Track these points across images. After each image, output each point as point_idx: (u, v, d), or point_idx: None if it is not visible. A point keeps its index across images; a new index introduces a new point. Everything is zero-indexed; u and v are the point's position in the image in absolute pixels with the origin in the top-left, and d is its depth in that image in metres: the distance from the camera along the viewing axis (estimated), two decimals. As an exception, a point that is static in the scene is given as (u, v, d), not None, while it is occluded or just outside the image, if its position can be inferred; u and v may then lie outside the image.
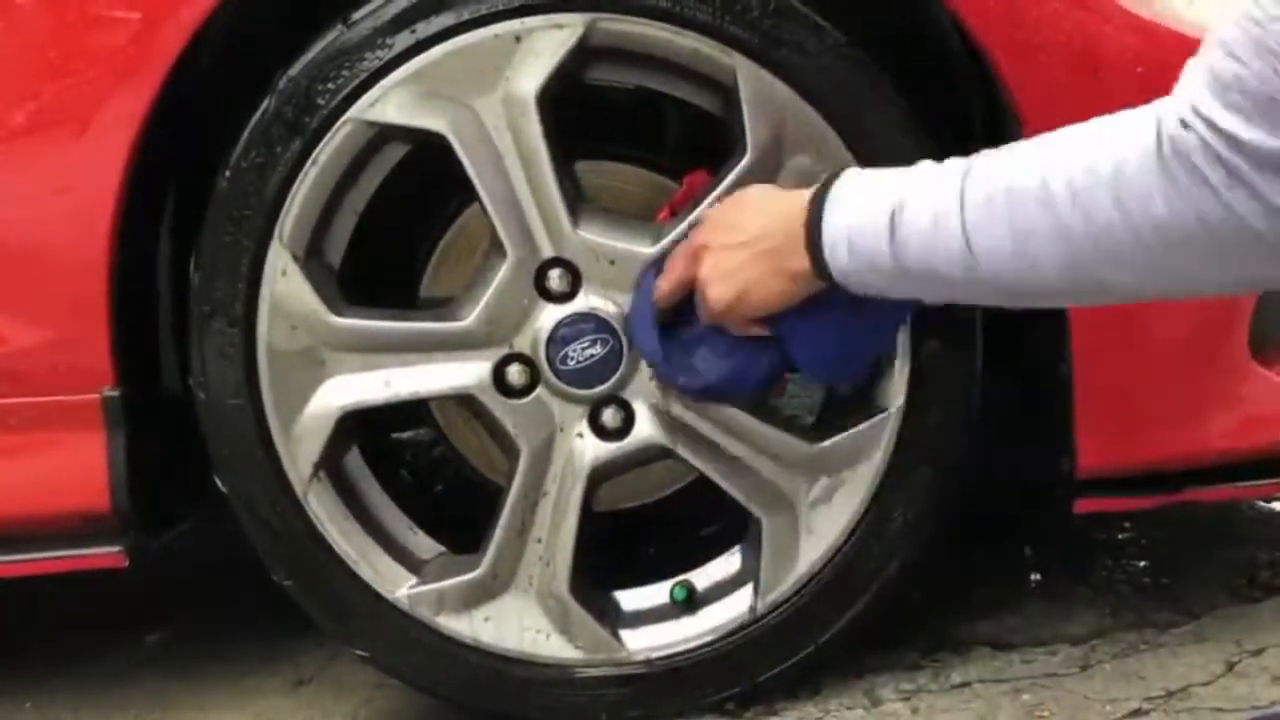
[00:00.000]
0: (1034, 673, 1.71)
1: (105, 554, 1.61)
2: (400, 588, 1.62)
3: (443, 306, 1.65)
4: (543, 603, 1.62)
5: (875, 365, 1.58)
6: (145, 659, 2.00)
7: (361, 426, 1.64)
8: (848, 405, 1.67)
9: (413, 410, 1.80)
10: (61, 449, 1.58)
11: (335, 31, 1.52)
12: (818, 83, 1.53)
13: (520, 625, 1.62)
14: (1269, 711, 1.56)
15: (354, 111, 1.52)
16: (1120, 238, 1.06)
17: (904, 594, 1.74)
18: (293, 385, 1.57)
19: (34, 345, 1.57)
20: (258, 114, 1.53)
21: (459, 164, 1.53)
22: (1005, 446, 1.75)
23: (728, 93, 1.55)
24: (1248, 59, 0.96)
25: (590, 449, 1.60)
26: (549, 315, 1.57)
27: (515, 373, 1.58)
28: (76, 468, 1.58)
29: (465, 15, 1.51)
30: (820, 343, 1.37)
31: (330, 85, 1.52)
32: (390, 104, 1.52)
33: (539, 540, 1.61)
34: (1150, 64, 1.51)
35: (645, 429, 1.60)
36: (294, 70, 1.52)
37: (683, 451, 1.61)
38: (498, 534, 1.61)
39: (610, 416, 1.59)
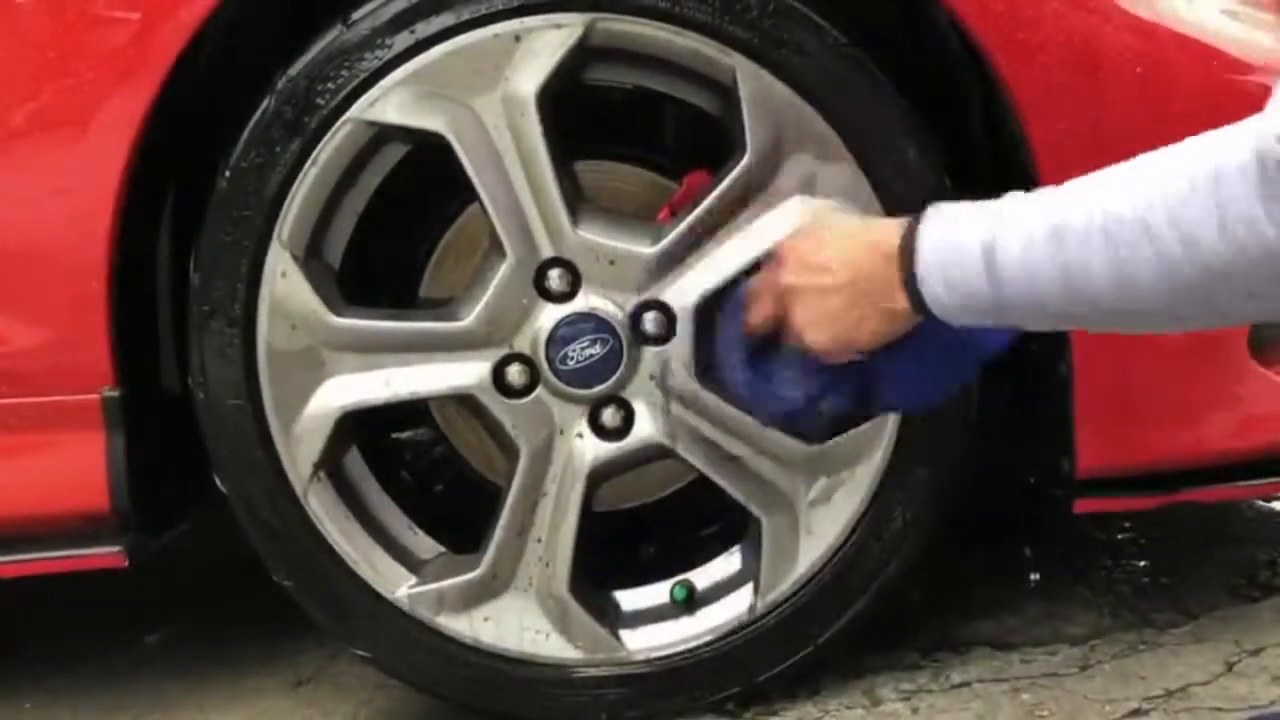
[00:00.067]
0: (1033, 672, 1.72)
1: (105, 554, 1.61)
2: (400, 587, 1.62)
3: (442, 306, 1.65)
4: (542, 603, 1.62)
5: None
6: (145, 659, 2.00)
7: (361, 426, 1.64)
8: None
9: (413, 410, 1.80)
10: (61, 449, 1.58)
11: (335, 31, 1.52)
12: (817, 82, 1.53)
13: (520, 625, 1.63)
14: (1268, 711, 1.56)
15: (353, 111, 1.53)
16: (1226, 260, 1.04)
17: (904, 594, 1.74)
18: (292, 385, 1.57)
19: (34, 345, 1.57)
20: (257, 114, 1.53)
21: (458, 164, 1.53)
22: (1005, 446, 1.75)
23: (727, 92, 1.55)
24: None
25: (590, 449, 1.60)
26: (549, 315, 1.57)
27: (515, 373, 1.58)
28: (76, 468, 1.58)
29: (465, 15, 1.51)
30: (915, 375, 1.36)
31: (330, 85, 1.52)
32: (390, 104, 1.52)
33: (539, 540, 1.61)
34: (1150, 64, 1.51)
35: (645, 429, 1.60)
36: (293, 70, 1.52)
37: (682, 451, 1.61)
38: (497, 534, 1.61)
39: (610, 416, 1.59)
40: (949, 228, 1.22)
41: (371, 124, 1.53)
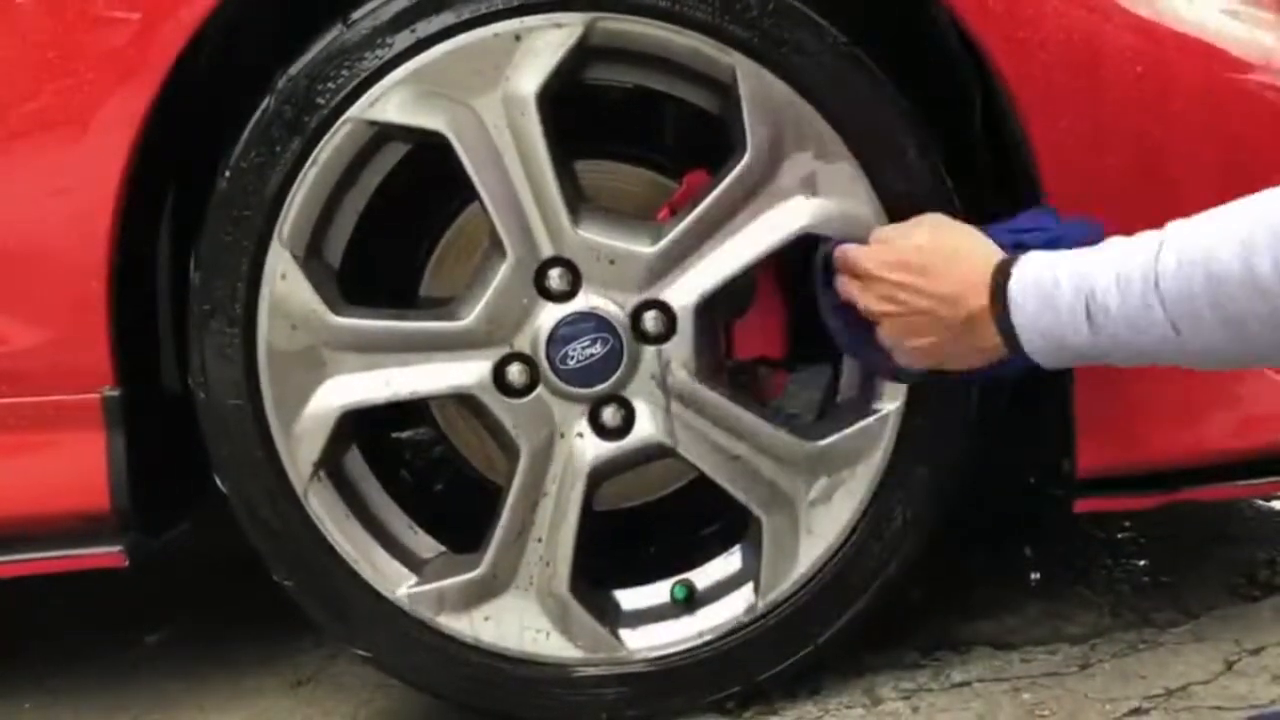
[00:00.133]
0: (1034, 672, 1.72)
1: (105, 554, 1.61)
2: (400, 587, 1.62)
3: (443, 306, 1.65)
4: (543, 602, 1.62)
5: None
6: (145, 659, 2.00)
7: (362, 426, 1.64)
8: (847, 404, 1.67)
9: (413, 410, 1.80)
10: (61, 449, 1.58)
11: (335, 31, 1.52)
12: (817, 81, 1.53)
13: (520, 624, 1.63)
14: (1268, 710, 1.56)
15: (354, 111, 1.53)
16: None
17: (904, 593, 1.74)
18: (293, 385, 1.57)
19: (34, 345, 1.57)
20: (257, 114, 1.53)
21: (459, 163, 1.53)
22: (1005, 446, 1.75)
23: (727, 91, 1.55)
24: None
25: (590, 448, 1.60)
26: (549, 314, 1.57)
27: (515, 372, 1.58)
28: (76, 468, 1.58)
29: (465, 14, 1.51)
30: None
31: (330, 85, 1.52)
32: (390, 103, 1.52)
33: (539, 540, 1.61)
34: (1150, 63, 1.51)
35: (645, 428, 1.60)
36: (294, 70, 1.52)
37: (683, 450, 1.61)
38: (498, 533, 1.61)
39: (610, 415, 1.59)
40: (1046, 273, 1.23)
41: (372, 123, 1.53)
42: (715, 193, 1.55)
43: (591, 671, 1.64)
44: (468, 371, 1.58)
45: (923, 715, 1.64)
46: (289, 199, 1.54)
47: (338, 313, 1.57)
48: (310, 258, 1.57)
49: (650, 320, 1.58)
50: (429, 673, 1.66)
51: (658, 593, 1.70)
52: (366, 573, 1.62)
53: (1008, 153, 1.56)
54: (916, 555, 1.65)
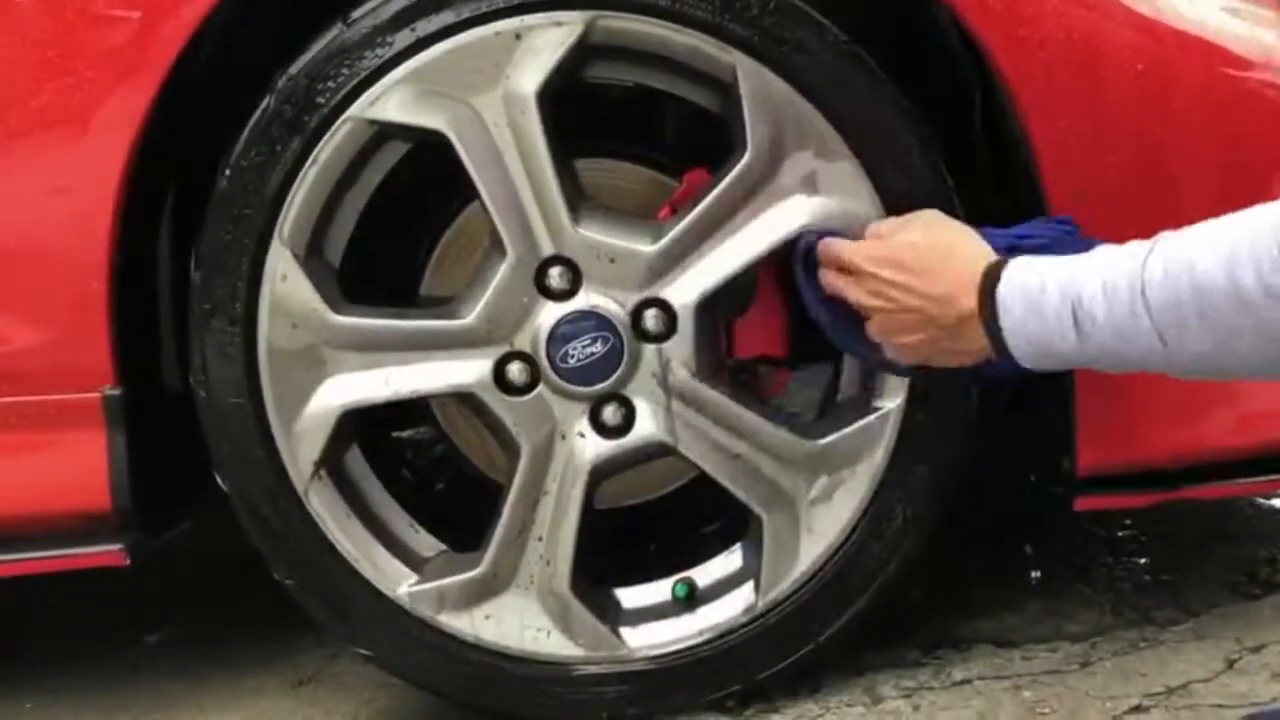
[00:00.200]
0: (1035, 670, 1.72)
1: (106, 553, 1.61)
2: (401, 586, 1.62)
3: (443, 305, 1.65)
4: (543, 601, 1.62)
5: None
6: (145, 659, 2.00)
7: (362, 425, 1.64)
8: (848, 403, 1.67)
9: (413, 408, 1.80)
10: (62, 448, 1.58)
11: (335, 30, 1.52)
12: (818, 80, 1.53)
13: (521, 623, 1.63)
14: (1269, 708, 1.56)
15: (354, 110, 1.53)
16: None
17: (904, 592, 1.74)
18: (293, 384, 1.57)
19: (35, 344, 1.57)
20: (258, 113, 1.53)
21: (459, 162, 1.53)
22: (1006, 445, 1.75)
23: (727, 90, 1.55)
24: None
25: (591, 447, 1.60)
26: (549, 313, 1.57)
27: (516, 371, 1.58)
28: (77, 467, 1.58)
29: (465, 13, 1.51)
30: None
31: (330, 84, 1.52)
32: (390, 102, 1.52)
33: (540, 538, 1.61)
34: (1150, 61, 1.51)
35: (646, 426, 1.60)
36: (294, 69, 1.52)
37: (684, 449, 1.61)
38: (498, 532, 1.61)
39: (611, 414, 1.59)
40: (1033, 279, 1.23)
41: (372, 122, 1.53)
42: (716, 191, 1.55)
43: (592, 670, 1.64)
44: (468, 370, 1.58)
45: (924, 713, 1.64)
46: (289, 198, 1.54)
47: (338, 311, 1.57)
48: (311, 257, 1.57)
49: (651, 319, 1.58)
50: (430, 671, 1.66)
51: (658, 591, 1.70)
52: (367, 571, 1.62)
53: (1008, 151, 1.56)
54: (917, 554, 1.65)
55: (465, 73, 1.52)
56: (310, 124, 1.53)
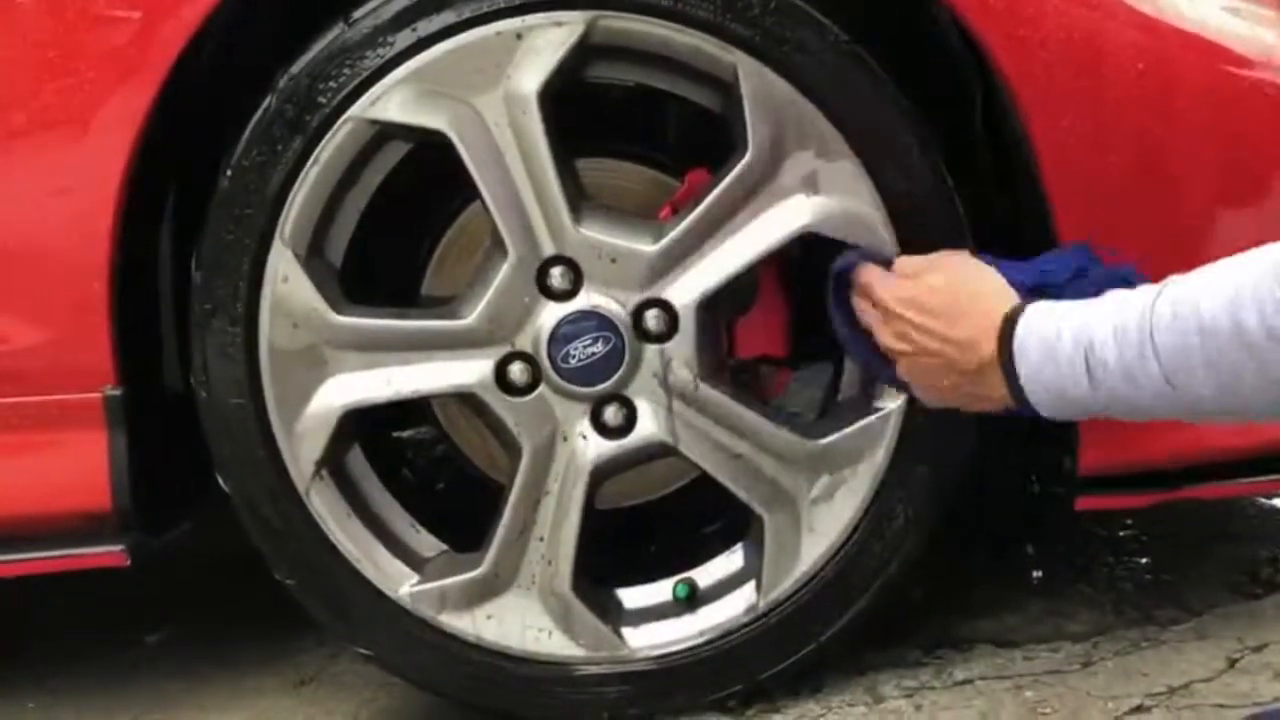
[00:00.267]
0: (1036, 670, 1.72)
1: (107, 553, 1.60)
2: (402, 586, 1.62)
3: (444, 305, 1.65)
4: (545, 601, 1.62)
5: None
6: (146, 659, 2.00)
7: (363, 425, 1.64)
8: (849, 402, 1.67)
9: (415, 408, 1.80)
10: (63, 448, 1.58)
11: (336, 30, 1.52)
12: (819, 80, 1.53)
13: (522, 623, 1.62)
14: (1271, 708, 1.56)
15: (355, 110, 1.53)
16: None
17: (906, 592, 1.74)
18: (294, 384, 1.57)
19: (36, 344, 1.57)
20: (259, 112, 1.53)
21: (460, 162, 1.53)
22: (1006, 445, 1.75)
23: (729, 90, 1.55)
24: None
25: (592, 447, 1.60)
26: (551, 313, 1.57)
27: (517, 371, 1.58)
28: (78, 467, 1.58)
29: (466, 13, 1.51)
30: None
31: (332, 83, 1.52)
32: (392, 102, 1.52)
33: (541, 538, 1.61)
34: (1151, 60, 1.51)
35: (647, 427, 1.60)
36: (295, 69, 1.52)
37: (685, 449, 1.61)
38: (500, 532, 1.61)
39: (612, 414, 1.59)
40: (1047, 327, 1.23)
41: (373, 122, 1.53)
42: (717, 191, 1.55)
43: (593, 670, 1.64)
44: (469, 370, 1.58)
45: (925, 713, 1.64)
46: (291, 198, 1.54)
47: (339, 311, 1.57)
48: (312, 257, 1.57)
49: (652, 319, 1.58)
50: (431, 671, 1.66)
51: (660, 591, 1.70)
52: (368, 571, 1.62)
53: (1009, 151, 1.56)
54: (918, 553, 1.64)
55: (466, 73, 1.52)
56: (312, 124, 1.52)
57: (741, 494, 1.62)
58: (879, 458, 1.62)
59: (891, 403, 1.61)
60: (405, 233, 1.74)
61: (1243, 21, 1.55)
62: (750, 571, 1.66)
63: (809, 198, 1.55)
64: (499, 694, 1.65)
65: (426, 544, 1.68)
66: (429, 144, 1.55)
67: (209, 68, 1.58)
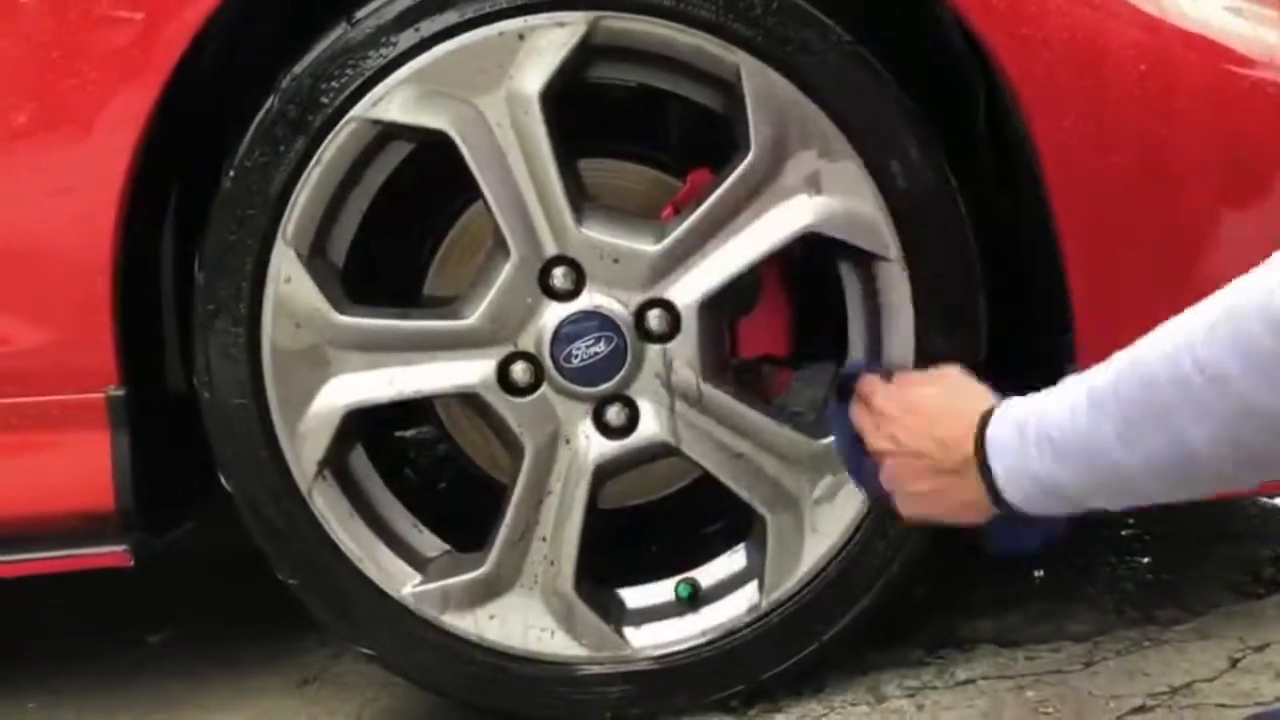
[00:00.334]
0: (1038, 669, 1.71)
1: (109, 553, 1.61)
2: (405, 586, 1.62)
3: (447, 305, 1.65)
4: (547, 601, 1.62)
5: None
6: (147, 659, 2.00)
7: (366, 425, 1.64)
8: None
9: (417, 409, 1.80)
10: (66, 448, 1.58)
11: (339, 30, 1.52)
12: (821, 80, 1.53)
13: (525, 623, 1.63)
14: (1273, 708, 1.56)
15: (358, 110, 1.53)
16: (1266, 404, 1.01)
17: (908, 591, 1.74)
18: (297, 384, 1.57)
19: (39, 345, 1.57)
20: (261, 113, 1.53)
21: (462, 162, 1.53)
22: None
23: (731, 90, 1.55)
24: None
25: (595, 447, 1.60)
26: (553, 313, 1.57)
27: (519, 371, 1.58)
28: (81, 467, 1.58)
29: (469, 13, 1.51)
30: (1013, 535, 1.37)
31: (334, 84, 1.52)
32: (394, 102, 1.52)
33: (543, 538, 1.61)
34: (1154, 61, 1.51)
35: (649, 427, 1.60)
36: (298, 69, 1.52)
37: (687, 449, 1.61)
38: (502, 532, 1.61)
39: (614, 414, 1.59)
40: (1019, 416, 1.21)
41: (376, 122, 1.53)
42: (719, 191, 1.55)
43: (596, 670, 1.64)
44: (472, 370, 1.58)
45: (927, 713, 1.64)
46: (293, 198, 1.54)
47: (342, 312, 1.57)
48: (314, 257, 1.57)
49: (654, 319, 1.58)
50: (433, 671, 1.66)
51: (662, 591, 1.70)
52: (371, 571, 1.62)
53: (1011, 151, 1.56)
54: (920, 553, 1.64)
55: (469, 73, 1.52)
56: (314, 124, 1.53)
57: (744, 494, 1.62)
58: (881, 457, 1.62)
59: (894, 403, 1.61)
60: (408, 233, 1.74)
61: (1245, 22, 1.55)
62: (752, 571, 1.66)
63: (811, 198, 1.55)
64: (501, 694, 1.65)
65: (429, 544, 1.68)
66: (431, 144, 1.55)
67: (211, 68, 1.58)
